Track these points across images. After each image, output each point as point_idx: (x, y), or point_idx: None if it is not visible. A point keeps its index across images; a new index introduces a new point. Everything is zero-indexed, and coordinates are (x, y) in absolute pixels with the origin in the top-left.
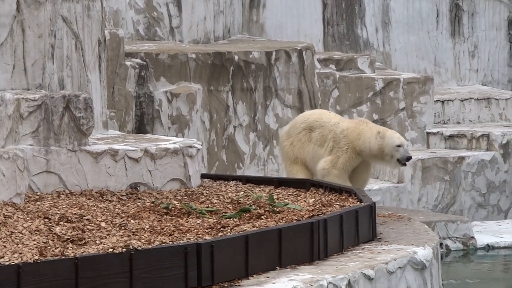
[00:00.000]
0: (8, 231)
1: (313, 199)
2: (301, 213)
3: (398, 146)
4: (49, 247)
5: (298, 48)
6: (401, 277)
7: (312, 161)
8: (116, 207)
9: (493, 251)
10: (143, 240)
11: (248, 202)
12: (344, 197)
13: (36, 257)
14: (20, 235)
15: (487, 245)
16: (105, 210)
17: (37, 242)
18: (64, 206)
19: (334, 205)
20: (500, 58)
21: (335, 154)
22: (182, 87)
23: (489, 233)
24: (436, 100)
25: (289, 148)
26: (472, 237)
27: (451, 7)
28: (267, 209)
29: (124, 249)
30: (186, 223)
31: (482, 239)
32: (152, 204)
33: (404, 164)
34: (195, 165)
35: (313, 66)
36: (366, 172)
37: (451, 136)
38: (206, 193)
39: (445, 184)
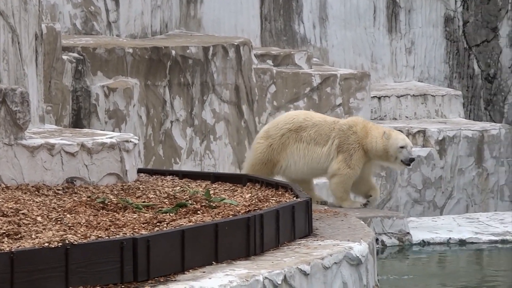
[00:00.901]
0: None
1: (250, 194)
2: (238, 208)
3: (402, 147)
4: None
5: (236, 43)
6: (337, 272)
7: (301, 159)
8: (52, 202)
9: (429, 247)
10: (79, 235)
11: (184, 197)
12: (280, 192)
13: None
14: None
15: (423, 241)
16: (41, 204)
17: None
18: None
19: (271, 200)
20: (436, 54)
21: (346, 152)
22: (119, 81)
23: (424, 229)
24: (373, 96)
25: (266, 150)
26: (408, 233)
27: (388, 3)
28: (203, 204)
29: (60, 244)
30: (122, 218)
31: (417, 235)
32: (88, 199)
33: (408, 165)
34: (131, 159)
35: (250, 62)
36: (370, 174)
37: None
38: (143, 187)
39: (381, 180)
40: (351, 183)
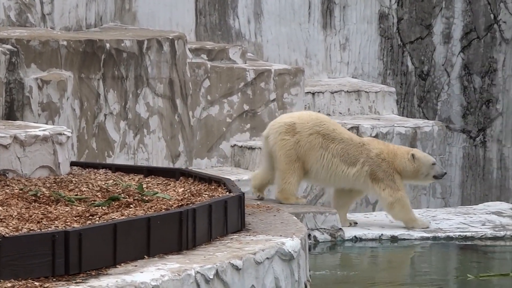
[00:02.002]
0: None
1: (183, 189)
2: (170, 203)
3: (433, 164)
4: None
5: (170, 37)
6: (269, 267)
7: (324, 170)
8: None
9: (361, 243)
10: (10, 227)
11: (117, 191)
12: (213, 187)
13: None
14: None
15: (355, 237)
16: None
17: None
18: None
19: (204, 195)
20: (370, 51)
21: (386, 179)
22: (53, 74)
23: (357, 225)
24: (307, 92)
25: (293, 147)
26: (340, 228)
27: None
28: (136, 197)
29: None
30: (54, 211)
31: (350, 231)
32: (20, 191)
33: (440, 179)
34: (64, 152)
35: (184, 56)
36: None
37: None
38: (75, 181)
39: None
40: (409, 203)
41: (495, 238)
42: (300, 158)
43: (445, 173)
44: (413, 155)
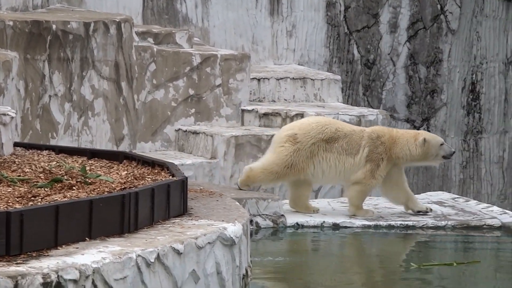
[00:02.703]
0: None
1: (126, 172)
2: (113, 185)
3: (442, 144)
4: None
5: (117, 20)
6: (210, 252)
7: (334, 169)
8: None
9: (302, 230)
10: None
11: (60, 173)
12: (156, 170)
13: None
14: None
15: (297, 223)
16: None
17: None
18: None
19: (147, 178)
20: (317, 38)
21: (374, 162)
22: None
23: (299, 212)
24: (252, 78)
25: (292, 154)
26: (282, 215)
27: None
28: (79, 180)
29: None
30: None
31: (292, 218)
32: None
33: (449, 159)
34: (8, 133)
35: (131, 39)
36: (401, 176)
37: (265, 114)
38: (18, 161)
39: None
40: (367, 193)
41: (436, 228)
42: (296, 165)
43: (454, 152)
44: (424, 139)
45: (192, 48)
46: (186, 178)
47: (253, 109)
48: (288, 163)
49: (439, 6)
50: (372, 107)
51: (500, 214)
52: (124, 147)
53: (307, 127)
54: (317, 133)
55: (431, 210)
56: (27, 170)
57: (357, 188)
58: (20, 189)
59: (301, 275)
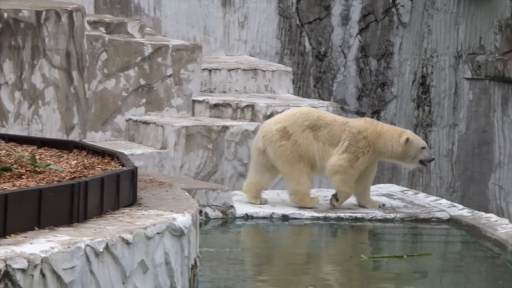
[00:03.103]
0: None
1: (76, 161)
2: (63, 175)
3: (423, 148)
4: None
5: (69, 9)
6: (159, 242)
7: (322, 160)
8: None
9: (252, 221)
10: None
11: (9, 161)
12: (106, 160)
13: None
14: None
15: (246, 214)
16: None
17: None
18: None
19: (96, 168)
20: (269, 30)
21: (352, 152)
22: None
23: (248, 203)
24: (204, 69)
25: (293, 148)
26: (232, 206)
27: None
28: (28, 169)
29: None
30: None
31: (241, 209)
32: None
33: (425, 165)
34: None
35: (82, 28)
36: (373, 171)
37: (216, 105)
38: None
39: (208, 152)
40: (352, 182)
41: (385, 220)
42: (303, 156)
43: (433, 159)
44: (407, 139)
45: (143, 38)
46: (136, 168)
47: (204, 100)
48: (295, 158)
49: None
50: (323, 99)
51: (449, 207)
52: (74, 136)
53: (292, 117)
54: (303, 121)
55: (383, 205)
56: None
57: (337, 178)
58: None
59: (250, 266)
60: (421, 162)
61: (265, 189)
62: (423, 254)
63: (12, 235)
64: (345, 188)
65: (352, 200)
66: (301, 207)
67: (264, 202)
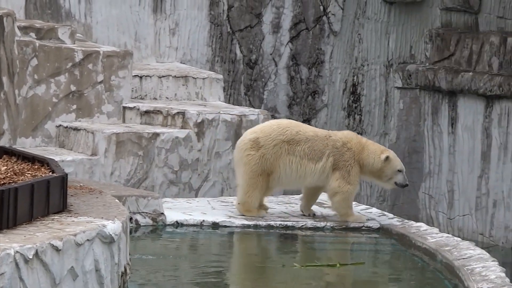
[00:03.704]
0: None
1: (5, 167)
2: None
3: (399, 171)
4: None
5: None
6: (89, 249)
7: (294, 173)
8: None
9: (182, 228)
10: None
11: None
12: (37, 166)
13: None
14: None
15: (176, 222)
16: None
17: None
18: None
19: (26, 174)
20: (200, 37)
21: (343, 169)
22: None
23: (179, 210)
24: (135, 75)
25: (259, 161)
26: (162, 213)
27: None
28: None
29: None
30: None
31: (171, 216)
32: None
33: (402, 188)
34: None
35: (13, 33)
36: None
37: (147, 112)
38: None
39: (138, 159)
40: (353, 199)
41: (316, 229)
42: (265, 170)
43: (406, 185)
44: (387, 157)
45: (74, 44)
46: (66, 174)
47: (134, 107)
48: (256, 171)
49: (321, 8)
50: (254, 107)
51: (379, 216)
52: (4, 142)
53: (268, 129)
54: (278, 135)
55: (314, 215)
56: None
57: (337, 199)
58: None
59: (179, 273)
60: (396, 184)
61: (268, 196)
62: (356, 263)
63: None
64: (342, 210)
65: (282, 208)
66: (231, 216)
67: (266, 209)
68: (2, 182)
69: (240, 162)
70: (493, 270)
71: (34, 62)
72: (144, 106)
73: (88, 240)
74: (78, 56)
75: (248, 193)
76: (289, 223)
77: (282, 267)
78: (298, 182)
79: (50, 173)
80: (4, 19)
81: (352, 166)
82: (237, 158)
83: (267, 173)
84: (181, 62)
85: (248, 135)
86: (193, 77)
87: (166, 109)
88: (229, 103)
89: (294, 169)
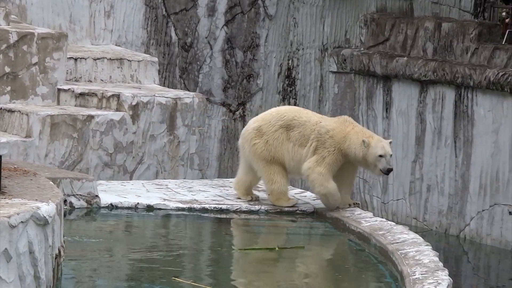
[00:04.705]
0: None
1: None
2: None
3: (380, 156)
4: None
5: None
6: (23, 231)
7: (292, 160)
8: None
9: (117, 211)
10: None
11: None
12: None
13: None
14: None
15: (111, 204)
16: None
17: None
18: None
19: None
20: (135, 19)
21: (319, 154)
22: None
23: (113, 192)
24: (69, 57)
25: (264, 147)
26: (97, 195)
27: None
28: None
29: None
30: None
31: (106, 199)
32: None
33: (386, 174)
34: None
35: None
36: (352, 174)
37: (81, 94)
38: None
39: (73, 142)
40: (328, 180)
41: (250, 212)
42: (275, 157)
43: (390, 169)
44: (363, 141)
45: (8, 25)
46: (0, 156)
47: (69, 89)
48: (266, 158)
49: None
50: (189, 90)
51: (313, 200)
52: None
53: (268, 116)
54: (277, 120)
55: (357, 204)
56: None
57: (310, 179)
58: None
59: (113, 256)
60: (381, 171)
61: (254, 185)
62: (296, 246)
63: None
64: (320, 188)
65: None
66: (165, 199)
67: (255, 199)
68: None
69: (248, 152)
70: (427, 254)
71: None
72: (79, 88)
73: (22, 222)
74: (13, 38)
75: (271, 180)
76: (224, 206)
77: (220, 250)
78: (297, 171)
79: None
80: None
81: (330, 153)
82: (243, 148)
83: (278, 159)
84: (116, 45)
85: (251, 124)
86: (128, 60)
87: (101, 92)
88: (164, 86)
89: (291, 157)
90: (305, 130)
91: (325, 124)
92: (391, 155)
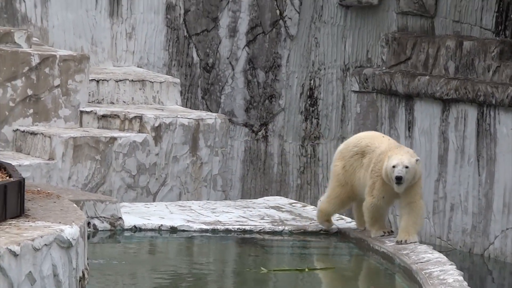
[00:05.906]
0: None
1: None
2: None
3: (394, 166)
4: None
5: None
6: (47, 254)
7: (361, 187)
8: None
9: (140, 233)
10: None
11: None
12: None
13: None
14: None
15: (135, 226)
16: None
17: None
18: None
19: None
20: (156, 41)
21: (371, 179)
22: None
23: (137, 214)
24: (92, 79)
25: (341, 171)
26: (120, 217)
27: None
28: None
29: None
30: None
31: (129, 221)
32: None
33: (397, 184)
34: None
35: None
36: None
37: (104, 116)
38: None
39: (96, 164)
40: (377, 212)
41: (274, 233)
42: (348, 183)
43: (397, 177)
44: (389, 157)
45: (30, 48)
46: (24, 179)
47: (91, 111)
48: (340, 181)
49: (278, 12)
50: (211, 111)
51: (337, 220)
52: None
53: (351, 140)
54: (354, 146)
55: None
56: None
57: (363, 205)
58: None
59: (137, 278)
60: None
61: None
62: (326, 268)
63: None
64: (366, 218)
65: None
66: (189, 221)
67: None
68: None
69: (331, 172)
70: (451, 273)
71: None
72: (101, 110)
73: (46, 245)
74: (35, 60)
75: (327, 200)
76: (247, 227)
77: (249, 271)
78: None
79: (7, 177)
80: None
81: (378, 178)
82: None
83: (351, 185)
84: (138, 66)
85: (340, 145)
86: (150, 81)
87: (123, 113)
88: (186, 107)
89: (362, 184)
90: (372, 155)
91: (380, 147)
92: (403, 165)
